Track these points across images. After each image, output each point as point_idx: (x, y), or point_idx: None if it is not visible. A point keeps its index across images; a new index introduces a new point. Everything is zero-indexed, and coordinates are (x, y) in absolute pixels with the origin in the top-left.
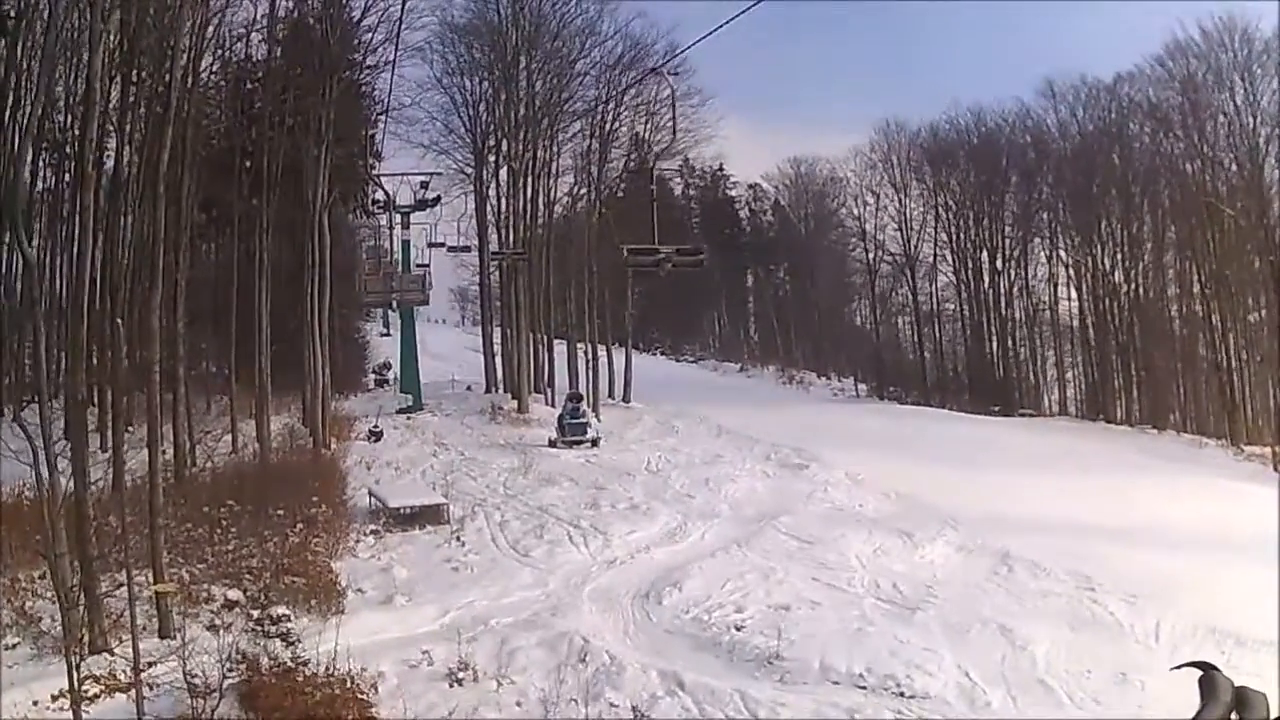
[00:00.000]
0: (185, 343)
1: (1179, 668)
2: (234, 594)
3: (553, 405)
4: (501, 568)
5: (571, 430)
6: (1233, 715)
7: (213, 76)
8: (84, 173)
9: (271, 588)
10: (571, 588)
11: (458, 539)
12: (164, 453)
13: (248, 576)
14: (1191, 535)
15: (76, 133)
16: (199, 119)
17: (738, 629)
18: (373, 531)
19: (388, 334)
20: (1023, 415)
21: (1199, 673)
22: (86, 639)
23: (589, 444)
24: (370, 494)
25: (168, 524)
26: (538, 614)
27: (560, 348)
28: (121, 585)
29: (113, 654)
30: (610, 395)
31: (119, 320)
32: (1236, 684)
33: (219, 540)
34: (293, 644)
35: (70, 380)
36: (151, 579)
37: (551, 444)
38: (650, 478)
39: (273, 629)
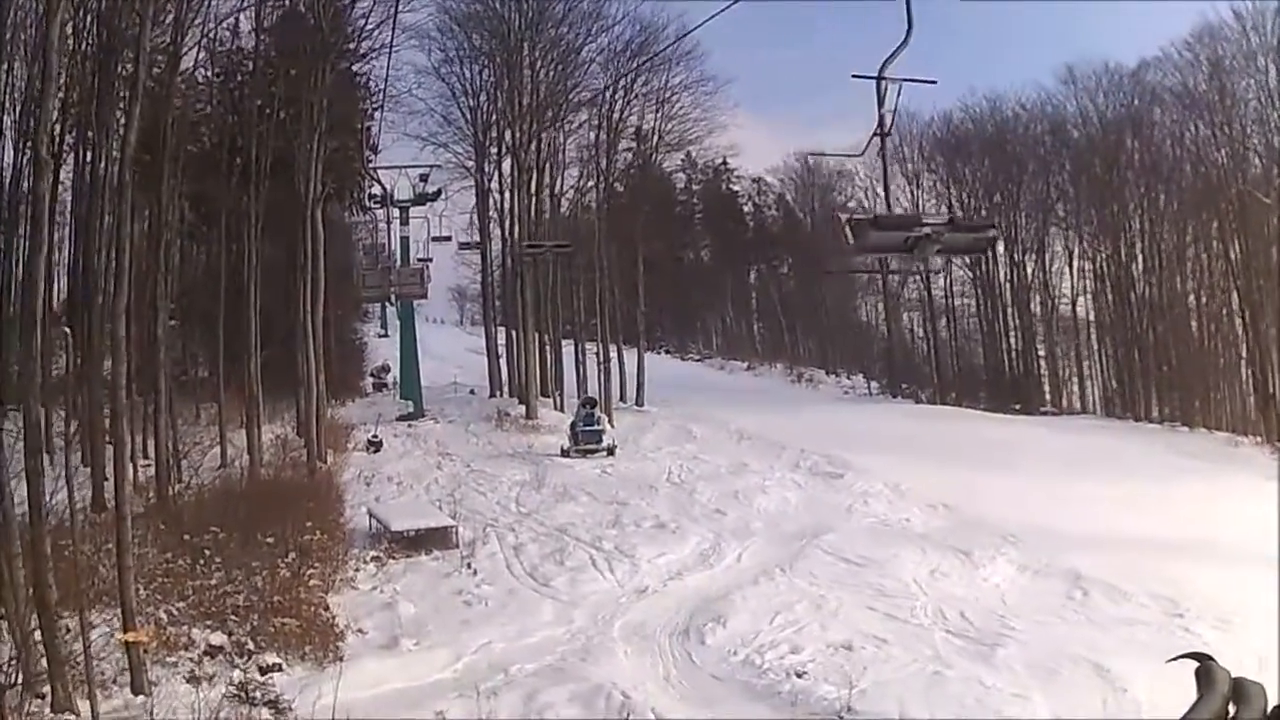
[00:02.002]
0: (171, 348)
1: (1174, 660)
2: (217, 638)
3: (562, 410)
4: (519, 600)
5: (585, 438)
6: (1230, 707)
7: (199, 66)
8: (38, 158)
9: (260, 630)
10: (600, 624)
11: (468, 566)
12: (147, 467)
13: (233, 617)
14: (1258, 548)
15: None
16: (187, 112)
17: (799, 675)
18: (374, 558)
19: (385, 335)
20: (1044, 414)
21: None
22: (48, 698)
23: (604, 453)
24: (370, 514)
25: (146, 552)
26: (565, 658)
27: (565, 348)
28: (90, 632)
29: (78, 716)
30: (621, 398)
31: (67, 329)
32: (1233, 675)
33: (202, 573)
34: (282, 711)
35: (24, 396)
36: (121, 624)
37: (564, 453)
38: (674, 490)
39: (258, 694)
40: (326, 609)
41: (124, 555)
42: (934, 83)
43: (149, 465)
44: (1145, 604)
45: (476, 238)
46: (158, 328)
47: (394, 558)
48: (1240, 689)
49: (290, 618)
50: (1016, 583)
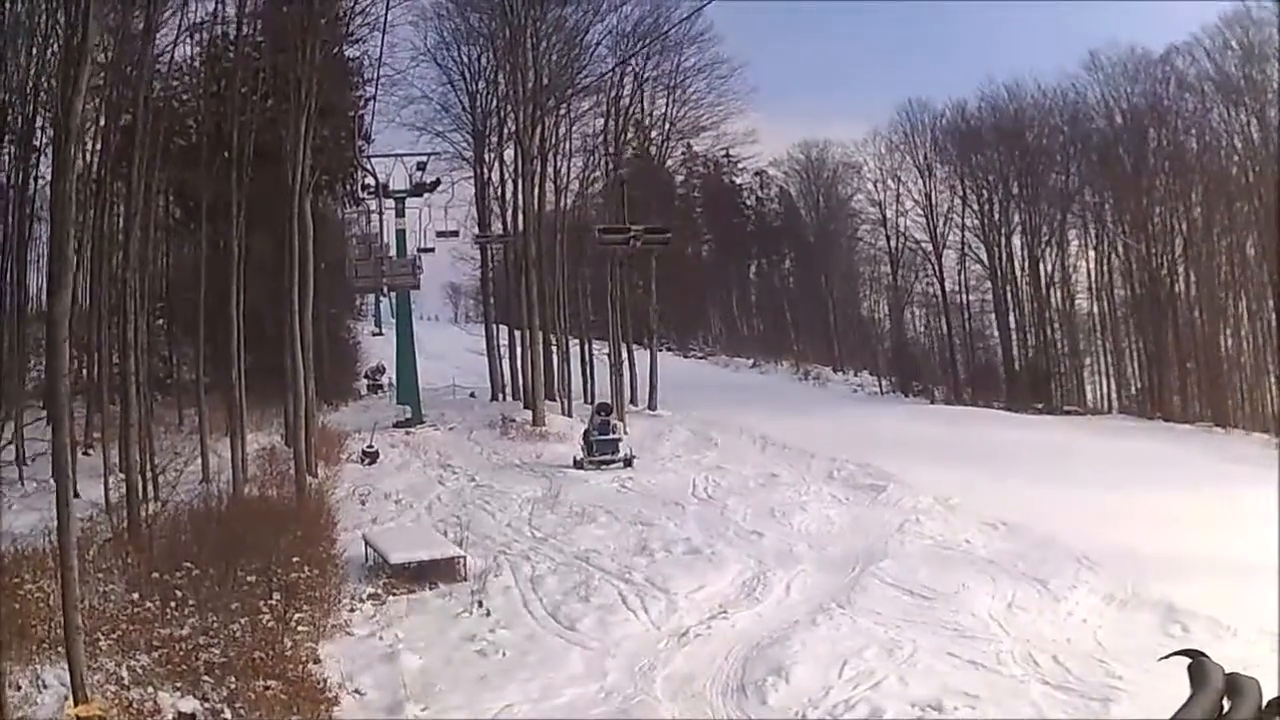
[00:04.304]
0: (155, 350)
1: (1166, 657)
2: (188, 704)
3: (569, 415)
4: (542, 648)
5: (600, 448)
6: (1224, 702)
7: (178, 43)
8: None
9: (238, 695)
10: (639, 677)
11: (480, 604)
12: (121, 479)
13: (206, 678)
14: None
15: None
16: (170, 101)
17: None
18: (371, 596)
19: (380, 333)
20: (1068, 413)
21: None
22: None
23: (621, 464)
24: (366, 543)
25: (111, 589)
26: None
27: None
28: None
29: None
30: (632, 401)
31: None
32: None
33: (173, 619)
34: None
35: None
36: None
37: (577, 464)
38: (703, 508)
39: None
40: (317, 662)
41: (71, 612)
42: None
43: (121, 480)
44: (1252, 640)
45: (477, 230)
46: (127, 330)
47: (394, 593)
48: (1234, 684)
49: (274, 679)
50: (1105, 617)
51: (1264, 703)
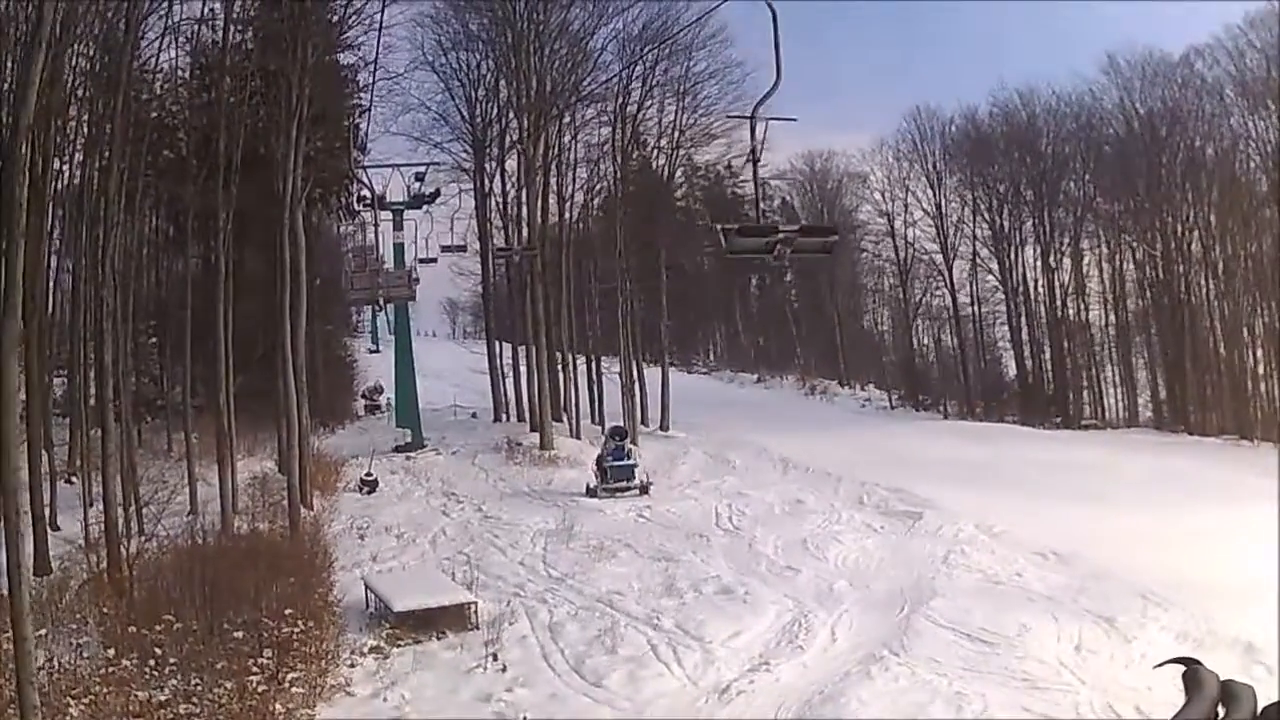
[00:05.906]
0: (145, 370)
1: (1161, 665)
2: None
3: (578, 437)
4: (567, 710)
5: (615, 474)
6: (1219, 709)
7: (163, 50)
8: None
9: None
10: None
11: (494, 657)
12: (101, 514)
13: None
14: None
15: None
16: (162, 111)
17: None
18: (373, 649)
19: (377, 350)
20: (1087, 427)
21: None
22: None
23: (636, 491)
24: (367, 587)
25: (86, 642)
26: None
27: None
28: None
29: None
30: (644, 422)
31: None
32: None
33: (153, 679)
34: None
35: None
36: None
37: (590, 492)
38: (730, 540)
39: None
40: None
41: (26, 688)
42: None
43: (101, 512)
44: None
45: (479, 244)
46: (104, 352)
47: (399, 644)
48: (1229, 691)
49: None
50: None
51: (1259, 709)
